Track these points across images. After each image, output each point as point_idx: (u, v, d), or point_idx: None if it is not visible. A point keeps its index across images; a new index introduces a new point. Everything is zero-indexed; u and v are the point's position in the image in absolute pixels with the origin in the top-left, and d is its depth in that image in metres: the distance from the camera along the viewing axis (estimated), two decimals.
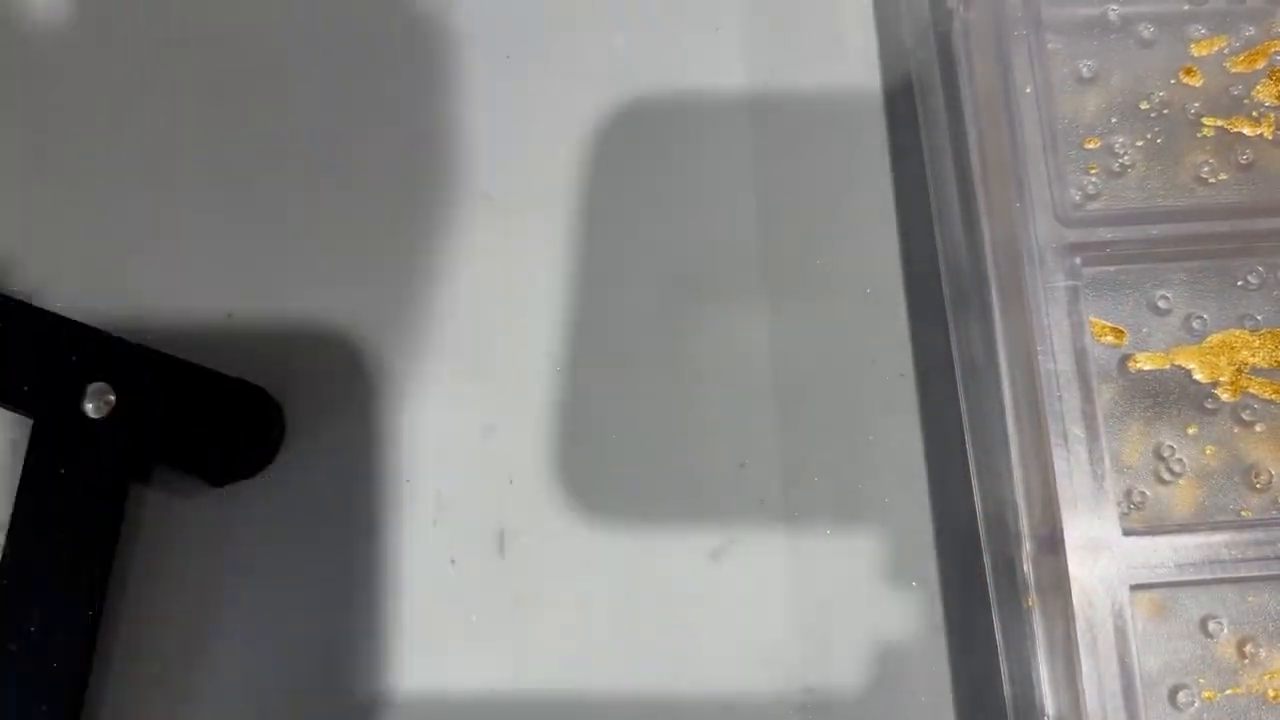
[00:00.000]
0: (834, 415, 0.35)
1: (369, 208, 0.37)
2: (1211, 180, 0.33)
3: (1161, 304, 0.33)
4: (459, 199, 0.37)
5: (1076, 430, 0.30)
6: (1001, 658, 0.33)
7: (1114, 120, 0.34)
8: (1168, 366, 0.32)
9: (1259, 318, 0.32)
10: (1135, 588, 0.30)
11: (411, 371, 0.35)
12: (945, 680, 0.34)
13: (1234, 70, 0.34)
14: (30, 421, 0.33)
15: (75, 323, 0.34)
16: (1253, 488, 0.31)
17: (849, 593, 0.34)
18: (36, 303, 0.35)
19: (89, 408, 0.33)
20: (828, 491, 0.35)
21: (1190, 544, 0.30)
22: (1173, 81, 0.34)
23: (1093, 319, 0.32)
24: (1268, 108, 0.34)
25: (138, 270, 0.36)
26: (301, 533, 0.34)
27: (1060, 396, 0.30)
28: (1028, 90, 0.32)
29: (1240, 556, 0.30)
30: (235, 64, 0.37)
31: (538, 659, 0.34)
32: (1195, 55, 0.34)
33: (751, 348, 0.36)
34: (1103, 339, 0.32)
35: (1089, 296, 0.32)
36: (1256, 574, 0.30)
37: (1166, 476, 0.32)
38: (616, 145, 0.37)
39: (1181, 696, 0.30)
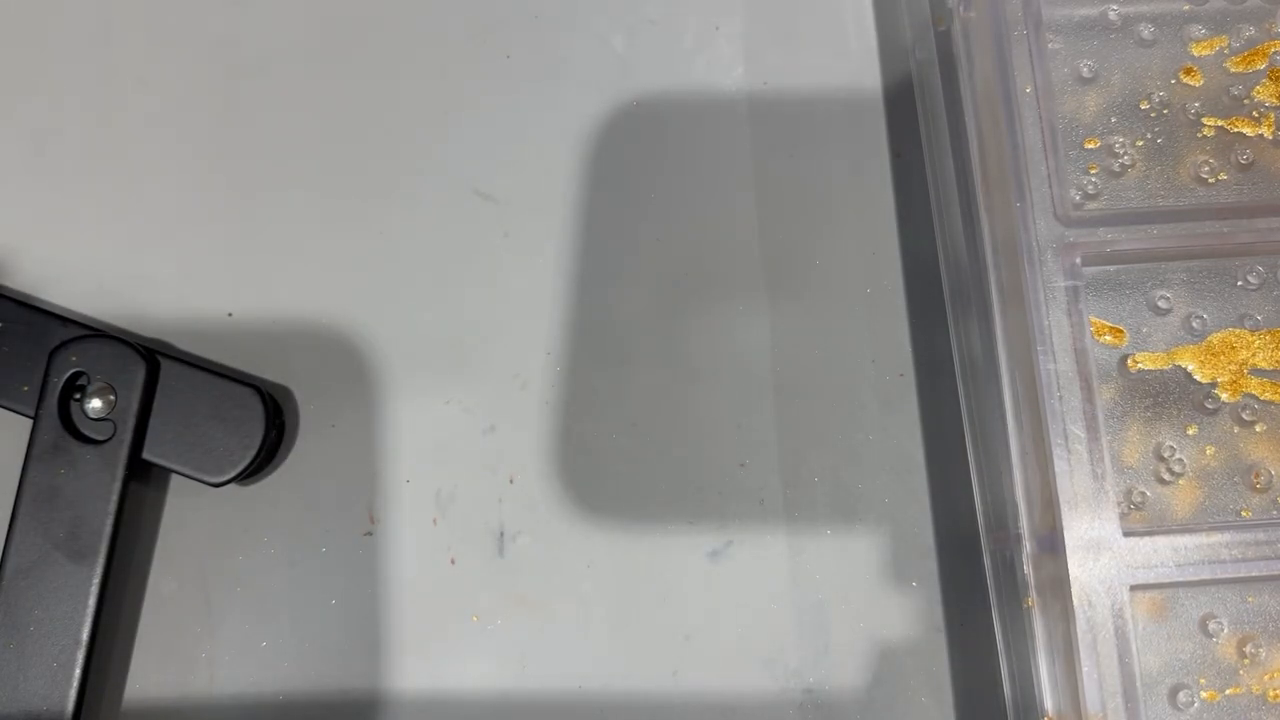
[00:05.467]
0: (834, 415, 0.35)
1: (369, 208, 0.37)
2: (1211, 180, 0.33)
3: (1161, 304, 0.33)
4: (459, 199, 0.37)
5: (1076, 430, 0.30)
6: (1001, 658, 0.33)
7: (1114, 120, 0.34)
8: (1168, 366, 0.32)
9: (1259, 318, 0.32)
10: (1135, 588, 0.29)
11: (412, 371, 0.35)
12: (945, 680, 0.34)
13: (1234, 70, 0.34)
14: (30, 421, 0.33)
15: (75, 322, 0.34)
16: (1253, 488, 0.31)
17: (849, 593, 0.34)
18: (36, 302, 0.35)
19: (89, 407, 0.33)
20: (828, 491, 0.35)
21: (1190, 544, 0.30)
22: (1173, 81, 0.34)
23: (1093, 319, 0.32)
24: (1268, 108, 0.34)
25: (138, 270, 0.36)
26: (301, 532, 0.34)
27: (1060, 396, 0.30)
28: (1028, 90, 0.32)
29: (1240, 556, 0.30)
30: (236, 64, 0.38)
31: (538, 659, 0.34)
32: (1195, 55, 0.34)
33: (751, 348, 0.36)
34: (1103, 339, 0.32)
35: (1089, 296, 0.32)
36: (1256, 574, 0.30)
37: (1166, 477, 0.32)
38: (616, 145, 0.37)
39: (1181, 696, 0.30)
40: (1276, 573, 0.30)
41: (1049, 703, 0.30)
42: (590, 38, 0.38)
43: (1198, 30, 0.34)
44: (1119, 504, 0.31)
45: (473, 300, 0.36)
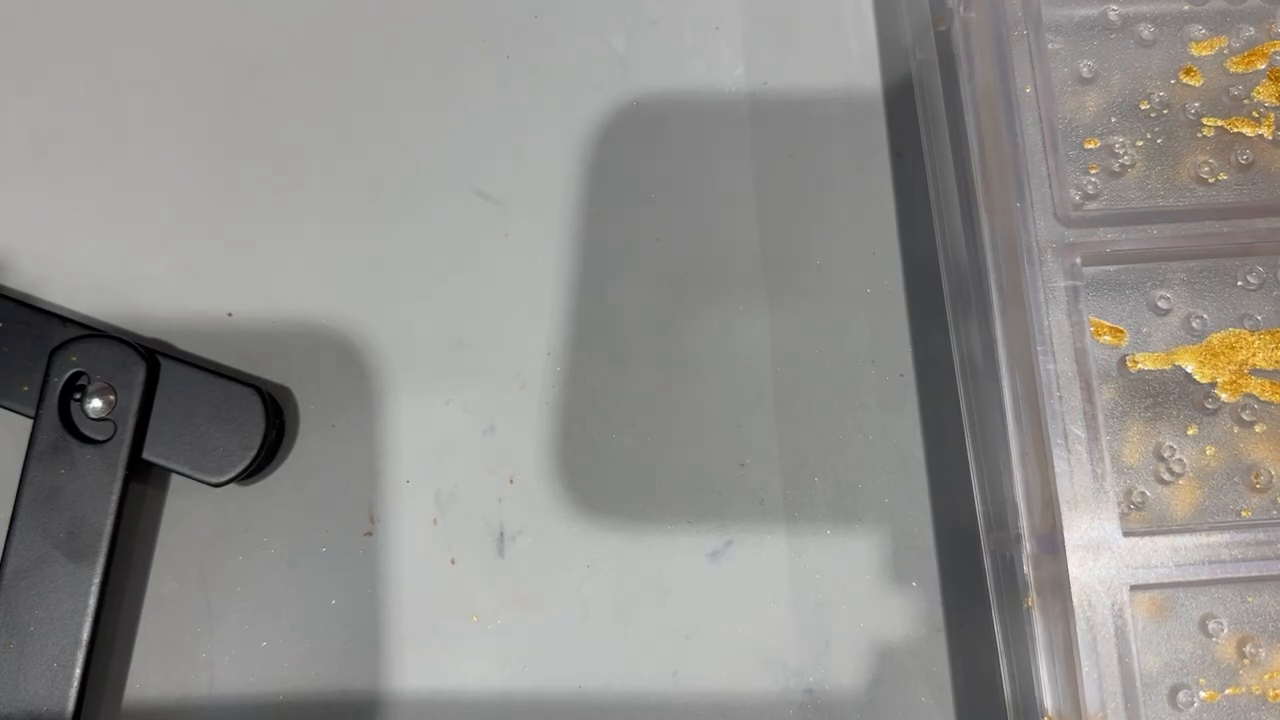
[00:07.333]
0: (834, 415, 0.35)
1: (369, 208, 0.37)
2: (1211, 180, 0.33)
3: (1161, 304, 0.33)
4: (459, 199, 0.37)
5: (1076, 430, 0.30)
6: (1001, 658, 0.33)
7: (1114, 120, 0.34)
8: (1168, 366, 0.32)
9: (1259, 318, 0.32)
10: (1135, 588, 0.29)
11: (412, 371, 0.35)
12: (945, 680, 0.34)
13: (1234, 70, 0.34)
14: (30, 421, 0.33)
15: (75, 322, 0.34)
16: (1253, 488, 0.31)
17: (849, 593, 0.34)
18: (36, 302, 0.35)
19: (89, 407, 0.33)
20: (828, 491, 0.35)
21: (1190, 544, 0.30)
22: (1173, 81, 0.34)
23: (1093, 319, 0.32)
24: (1268, 108, 0.34)
25: (138, 270, 0.36)
26: (301, 532, 0.34)
27: (1060, 396, 0.30)
28: (1028, 90, 0.32)
29: (1240, 556, 0.30)
30: (235, 64, 0.38)
31: (538, 659, 0.34)
32: (1195, 55, 0.34)
33: (751, 347, 0.36)
34: (1102, 339, 0.32)
35: (1089, 296, 0.32)
36: (1256, 574, 0.30)
37: (1166, 477, 0.32)
38: (616, 145, 0.37)
39: (1181, 696, 0.30)
40: (1276, 573, 0.30)
41: (1049, 703, 0.30)
42: (590, 38, 0.38)
43: (1198, 30, 0.34)
44: (1119, 504, 0.31)
45: (473, 300, 0.36)
